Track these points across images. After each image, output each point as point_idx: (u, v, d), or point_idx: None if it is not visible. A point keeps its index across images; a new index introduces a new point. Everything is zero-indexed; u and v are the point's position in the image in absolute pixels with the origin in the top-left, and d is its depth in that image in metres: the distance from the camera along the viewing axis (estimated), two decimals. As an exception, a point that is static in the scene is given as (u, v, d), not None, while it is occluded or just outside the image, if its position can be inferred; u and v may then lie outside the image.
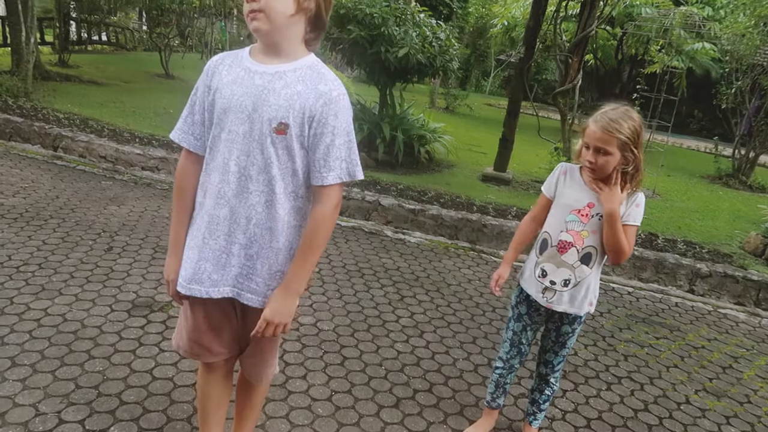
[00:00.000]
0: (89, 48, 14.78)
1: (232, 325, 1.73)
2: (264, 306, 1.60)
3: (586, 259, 2.06)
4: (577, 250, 2.06)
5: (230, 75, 1.52)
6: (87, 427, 2.13)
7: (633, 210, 2.03)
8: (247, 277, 1.58)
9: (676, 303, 4.24)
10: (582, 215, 2.06)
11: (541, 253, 2.15)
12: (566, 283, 2.09)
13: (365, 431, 2.35)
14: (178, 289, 1.61)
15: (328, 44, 6.56)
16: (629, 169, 2.00)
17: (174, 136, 1.63)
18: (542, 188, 2.23)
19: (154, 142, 6.22)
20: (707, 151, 12.60)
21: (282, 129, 1.47)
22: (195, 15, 14.21)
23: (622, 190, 2.02)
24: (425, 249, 4.59)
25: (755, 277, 4.63)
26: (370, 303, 3.47)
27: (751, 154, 9.30)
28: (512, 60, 18.85)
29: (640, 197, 2.05)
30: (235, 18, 10.80)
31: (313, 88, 1.49)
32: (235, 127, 1.49)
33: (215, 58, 1.59)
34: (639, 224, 2.07)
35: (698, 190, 8.53)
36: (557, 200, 2.15)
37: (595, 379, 3.00)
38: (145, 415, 2.24)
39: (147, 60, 13.91)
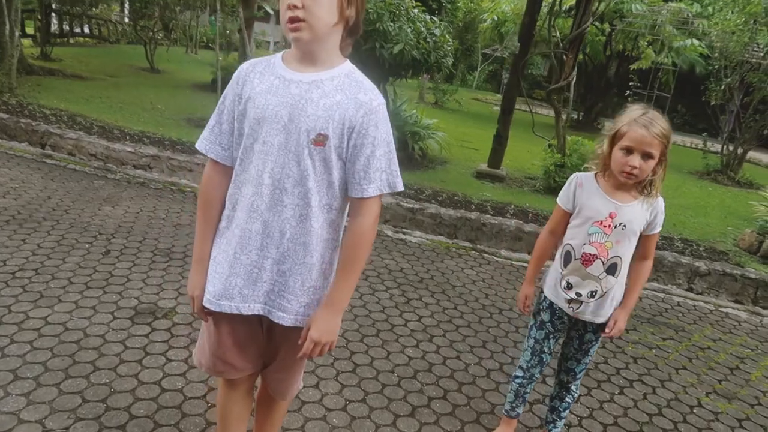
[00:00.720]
0: (71, 41, 14.47)
1: (257, 340, 1.67)
2: (295, 324, 1.54)
3: (612, 270, 2.02)
4: (602, 262, 2.02)
5: (264, 83, 1.45)
6: (98, 444, 2.06)
7: (658, 217, 2.02)
8: (279, 294, 1.52)
9: (678, 303, 4.25)
10: (605, 227, 2.01)
11: (565, 266, 2.10)
12: (593, 294, 2.05)
13: (383, 442, 2.30)
14: (206, 305, 1.54)
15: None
16: (658, 174, 1.97)
17: (200, 146, 1.55)
18: (558, 201, 2.17)
19: (144, 139, 6.08)
20: (693, 146, 12.72)
21: (321, 140, 1.40)
22: (179, 8, 13.97)
23: (643, 195, 1.99)
24: (426, 249, 4.55)
25: (753, 275, 4.66)
26: (377, 306, 3.42)
27: (739, 150, 9.39)
28: (498, 54, 18.87)
29: (661, 204, 2.02)
30: (218, 11, 10.60)
31: (352, 98, 1.43)
32: (270, 138, 1.42)
33: (245, 65, 1.52)
34: (660, 230, 2.05)
35: (688, 186, 8.60)
36: (578, 213, 2.09)
37: (607, 382, 2.99)
38: (157, 430, 2.17)
39: (131, 53, 13.64)
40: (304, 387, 2.53)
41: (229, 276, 1.51)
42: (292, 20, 1.35)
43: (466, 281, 4.03)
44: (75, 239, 3.67)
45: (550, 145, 6.78)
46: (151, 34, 12.10)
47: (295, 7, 1.33)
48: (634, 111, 1.95)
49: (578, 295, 2.06)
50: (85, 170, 5.13)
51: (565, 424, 2.56)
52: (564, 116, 6.82)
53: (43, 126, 5.81)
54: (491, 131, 7.25)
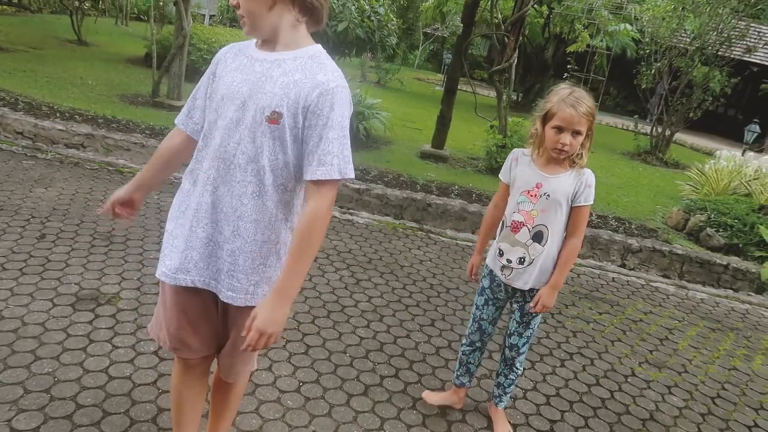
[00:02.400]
0: (-13, 8, 13.47)
1: (211, 320, 1.66)
2: (245, 303, 1.54)
3: (537, 237, 2.14)
4: (528, 229, 2.15)
5: (235, 62, 1.52)
6: (44, 436, 1.99)
7: (586, 191, 2.11)
8: (229, 273, 1.52)
9: (613, 278, 4.48)
10: (531, 195, 2.15)
11: (499, 234, 2.26)
12: (521, 261, 2.17)
13: (337, 422, 2.33)
14: (162, 278, 1.57)
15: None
16: (586, 147, 2.09)
17: (177, 120, 1.67)
18: (500, 176, 2.31)
19: (76, 116, 5.78)
20: (624, 128, 13.28)
21: (275, 118, 1.42)
22: (108, -24, 13.23)
23: (571, 166, 2.10)
24: (374, 230, 4.58)
25: (679, 251, 4.96)
26: (327, 288, 3.43)
27: (667, 132, 9.88)
28: (440, 34, 18.96)
29: (590, 176, 2.13)
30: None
31: (310, 78, 1.43)
32: (230, 113, 1.46)
33: (225, 48, 1.60)
34: (591, 203, 2.13)
35: (620, 166, 8.99)
36: (512, 184, 2.24)
37: (549, 356, 3.13)
38: (106, 419, 2.12)
39: (55, 24, 12.84)
40: (257, 370, 2.52)
41: (185, 249, 1.53)
42: (240, 17, 1.46)
43: (414, 261, 4.10)
44: (5, 223, 3.47)
45: (492, 126, 6.92)
46: (77, 3, 11.41)
47: (235, 5, 1.45)
48: (561, 91, 2.07)
49: (509, 261, 2.19)
50: (12, 149, 4.83)
51: (511, 397, 2.67)
52: (505, 97, 6.96)
53: (-37, 101, 5.42)
54: (434, 111, 7.33)
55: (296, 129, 1.44)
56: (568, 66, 7.48)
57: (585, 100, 2.03)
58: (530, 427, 2.54)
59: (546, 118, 2.08)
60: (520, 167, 2.21)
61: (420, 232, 4.74)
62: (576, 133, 2.02)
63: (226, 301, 1.55)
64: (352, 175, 1.47)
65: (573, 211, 2.13)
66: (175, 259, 1.53)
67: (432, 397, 2.54)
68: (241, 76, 1.47)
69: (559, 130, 2.03)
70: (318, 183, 1.44)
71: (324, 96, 1.42)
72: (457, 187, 5.79)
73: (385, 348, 2.93)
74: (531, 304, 2.20)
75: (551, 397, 2.77)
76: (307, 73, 1.43)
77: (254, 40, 1.55)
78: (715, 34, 8.89)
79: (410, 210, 5.13)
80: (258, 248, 1.51)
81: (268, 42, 1.50)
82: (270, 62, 1.46)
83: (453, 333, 3.19)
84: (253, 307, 1.52)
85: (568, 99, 2.02)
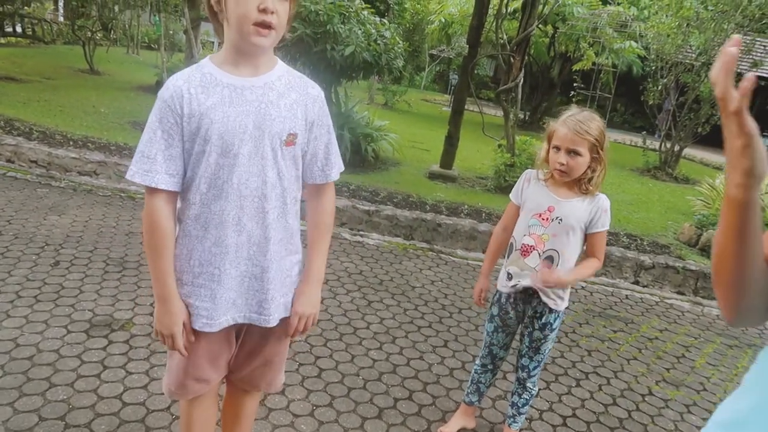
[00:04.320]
0: (2, 41, 13.78)
1: (230, 349, 1.66)
2: (280, 318, 1.59)
3: (548, 262, 2.11)
4: (539, 254, 2.11)
5: (213, 97, 1.38)
6: (59, 464, 1.99)
7: (602, 216, 2.09)
8: (271, 299, 1.54)
9: (626, 296, 4.44)
10: (543, 219, 2.12)
11: (508, 257, 2.22)
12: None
13: (352, 445, 2.32)
14: (204, 329, 1.50)
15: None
16: (597, 172, 2.06)
17: (146, 180, 1.38)
18: (510, 196, 2.28)
19: (89, 144, 5.86)
20: (632, 144, 13.26)
21: (291, 140, 1.46)
22: (119, 7, 13.52)
23: (583, 192, 2.08)
24: (384, 251, 4.58)
25: (693, 267, 4.91)
26: (339, 310, 3.42)
27: (676, 148, 9.85)
28: (446, 56, 19.12)
29: (606, 202, 2.11)
30: (162, 11, 10.30)
31: (305, 94, 1.50)
32: (239, 149, 1.40)
33: (177, 83, 1.40)
34: (607, 228, 2.12)
35: (630, 183, 8.96)
36: (523, 206, 2.21)
37: (564, 376, 3.09)
38: (121, 446, 2.11)
39: (68, 54, 13.11)
40: (269, 395, 2.51)
41: (221, 292, 1.49)
42: (265, 25, 1.33)
43: (425, 282, 4.09)
44: (20, 251, 3.51)
45: (500, 146, 6.94)
46: (89, 33, 11.66)
47: (272, 12, 1.32)
48: (567, 112, 2.08)
49: (514, 287, 2.16)
50: (26, 178, 4.91)
51: (526, 419, 2.64)
52: (512, 116, 6.99)
53: (-21, 132, 5.52)
54: (441, 132, 7.36)
55: (304, 143, 1.52)
56: (575, 84, 7.53)
57: (586, 122, 2.01)
58: (547, 448, 2.51)
59: (549, 139, 2.09)
60: (532, 188, 2.18)
61: (430, 253, 4.73)
62: (574, 153, 2.00)
63: (264, 325, 1.57)
64: (343, 167, 1.65)
65: (590, 237, 2.11)
66: (212, 307, 1.49)
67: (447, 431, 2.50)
68: (235, 110, 1.38)
69: (557, 149, 2.04)
70: (330, 182, 1.61)
71: (322, 107, 1.54)
72: (466, 206, 5.79)
73: (398, 370, 2.91)
74: (544, 275, 2.08)
75: (568, 418, 2.73)
76: (299, 90, 1.49)
77: (209, 65, 1.42)
78: (720, 49, 8.91)
79: (420, 230, 5.13)
80: (288, 264, 1.58)
81: (247, 63, 1.41)
82: (260, 87, 1.42)
83: (466, 354, 3.16)
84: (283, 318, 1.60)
85: (567, 120, 2.04)
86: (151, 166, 1.38)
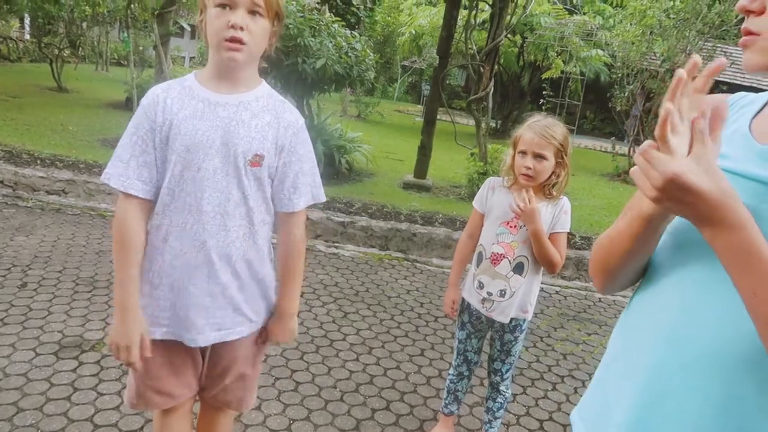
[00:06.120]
0: (-34, 59, 13.51)
1: (196, 364, 1.63)
2: (251, 330, 1.59)
3: (518, 269, 2.14)
4: (509, 261, 2.14)
5: (187, 109, 1.41)
6: (28, 491, 1.94)
7: (562, 217, 2.13)
8: (232, 315, 1.53)
9: (599, 298, 4.50)
10: (511, 227, 2.14)
11: (477, 266, 2.23)
12: (502, 293, 2.15)
13: (330, 458, 2.30)
14: (164, 337, 1.49)
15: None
16: (561, 177, 2.10)
17: (117, 183, 1.40)
18: (474, 204, 2.30)
19: (57, 162, 5.76)
20: (603, 149, 13.50)
21: (257, 161, 1.45)
22: (87, 23, 13.37)
23: (547, 197, 2.11)
24: (360, 262, 4.58)
25: (664, 269, 5.00)
26: (314, 323, 3.41)
27: (644, 152, 10.04)
28: (417, 66, 19.29)
29: (566, 204, 2.15)
30: (131, 27, 10.19)
31: (280, 118, 1.50)
32: (204, 164, 1.40)
33: (157, 90, 1.44)
34: (568, 230, 2.16)
35: (601, 187, 9.11)
36: (488, 214, 2.23)
37: (540, 380, 3.12)
38: (92, 469, 2.07)
39: (35, 72, 12.90)
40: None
41: (179, 309, 1.48)
42: (235, 40, 1.34)
43: (401, 291, 4.10)
44: (-14, 273, 3.43)
45: (472, 154, 7.01)
46: (57, 51, 11.50)
47: (241, 28, 1.34)
48: (532, 118, 2.12)
49: (489, 294, 2.17)
50: (-8, 198, 4.80)
51: (503, 424, 2.65)
52: (484, 125, 7.07)
53: (-59, 153, 5.39)
54: (415, 142, 7.41)
55: (272, 168, 1.50)
56: (544, 92, 7.66)
57: (551, 127, 2.06)
58: (525, 453, 2.52)
59: (515, 146, 2.13)
60: (497, 196, 2.21)
61: (406, 262, 4.75)
62: (540, 157, 2.04)
63: (230, 339, 1.56)
64: (323, 198, 1.62)
65: (551, 237, 2.14)
66: (171, 317, 1.49)
67: None
68: (205, 124, 1.40)
69: (523, 154, 2.07)
70: (296, 211, 1.55)
71: (297, 134, 1.52)
72: (441, 215, 5.83)
73: (375, 380, 2.90)
74: (521, 203, 2.05)
75: (545, 421, 2.76)
76: (275, 113, 1.48)
77: (192, 79, 1.46)
78: (683, 55, 9.15)
79: (395, 240, 5.14)
80: (256, 284, 1.56)
81: (228, 80, 1.44)
82: (235, 106, 1.43)
83: (443, 362, 3.17)
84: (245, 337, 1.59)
85: (532, 125, 2.08)
86: (125, 170, 1.41)
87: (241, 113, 1.44)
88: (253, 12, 1.37)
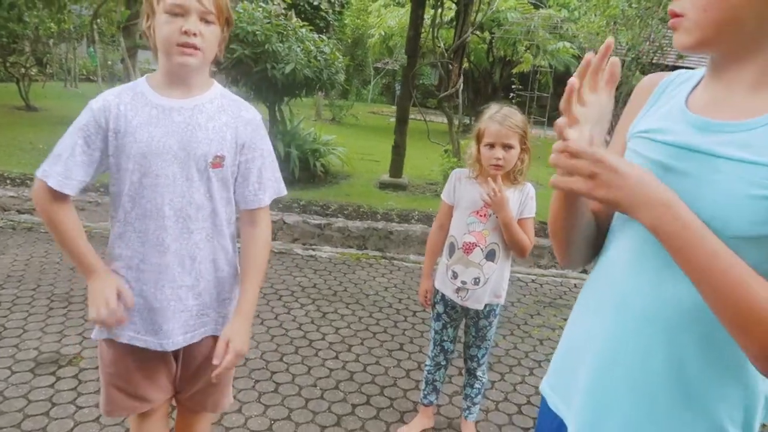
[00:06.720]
0: (-70, 83, 13.24)
1: (169, 367, 1.64)
2: (214, 333, 1.59)
3: (490, 256, 2.20)
4: (481, 249, 2.20)
5: (140, 116, 1.42)
6: (8, 506, 1.93)
7: (528, 203, 2.20)
8: (198, 316, 1.54)
9: (575, 284, 4.58)
10: (480, 216, 2.20)
11: (450, 257, 2.27)
12: (476, 281, 2.21)
13: (312, 455, 2.33)
14: (129, 342, 1.50)
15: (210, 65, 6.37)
16: (525, 162, 2.17)
17: (53, 182, 1.39)
18: (442, 196, 2.35)
19: (28, 182, 5.69)
20: (576, 140, 13.64)
21: (218, 162, 1.46)
22: (53, 41, 13.20)
23: (513, 183, 2.17)
24: (338, 262, 4.61)
25: (637, 252, 5.11)
26: (293, 324, 3.43)
27: (615, 140, 10.21)
28: (390, 68, 19.36)
29: (531, 189, 2.23)
30: (97, 42, 10.11)
31: (237, 117, 1.52)
32: (163, 170, 1.42)
33: (108, 97, 1.43)
34: (534, 215, 2.23)
35: (575, 177, 9.23)
36: (457, 205, 2.28)
37: (518, 366, 3.18)
38: (73, 481, 2.07)
39: (1, 92, 12.69)
40: (226, 414, 2.50)
41: (145, 313, 1.49)
42: (188, 46, 1.36)
43: (379, 289, 4.13)
44: (-42, 295, 3.40)
45: (446, 151, 7.07)
46: (23, 70, 11.34)
47: (194, 34, 1.36)
48: (490, 110, 2.17)
49: (463, 283, 2.22)
50: (-38, 221, 4.74)
51: (482, 410, 2.70)
52: (456, 122, 7.15)
53: None
54: (390, 142, 7.45)
55: (234, 166, 1.52)
56: (513, 86, 7.76)
57: (512, 116, 2.13)
58: (504, 437, 2.57)
59: (479, 138, 2.17)
60: (465, 187, 2.26)
61: (383, 260, 4.78)
62: (507, 146, 2.10)
63: (197, 340, 1.57)
64: (285, 191, 1.63)
65: (519, 222, 2.20)
66: (139, 324, 1.50)
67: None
68: (160, 130, 1.41)
69: (491, 146, 2.12)
70: (262, 208, 1.57)
71: (256, 131, 1.55)
72: (417, 212, 5.88)
73: (355, 377, 2.93)
74: (491, 192, 2.09)
75: (522, 405, 2.81)
76: (231, 113, 1.50)
77: (144, 84, 1.46)
78: (647, 43, 9.31)
79: (373, 239, 5.18)
80: (221, 284, 1.58)
81: (180, 84, 1.45)
82: (190, 110, 1.44)
83: (422, 354, 3.21)
84: (212, 336, 1.59)
85: (494, 116, 2.13)
86: (63, 169, 1.40)
87: (197, 117, 1.46)
88: (204, 19, 1.39)
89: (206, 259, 1.51)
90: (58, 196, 1.42)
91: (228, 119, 1.49)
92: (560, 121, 0.90)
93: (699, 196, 0.86)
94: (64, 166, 1.40)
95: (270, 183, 1.57)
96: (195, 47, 1.37)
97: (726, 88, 0.91)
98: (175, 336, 1.52)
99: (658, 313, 0.92)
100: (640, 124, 1.04)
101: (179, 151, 1.42)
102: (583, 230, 1.07)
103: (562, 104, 0.89)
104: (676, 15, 0.91)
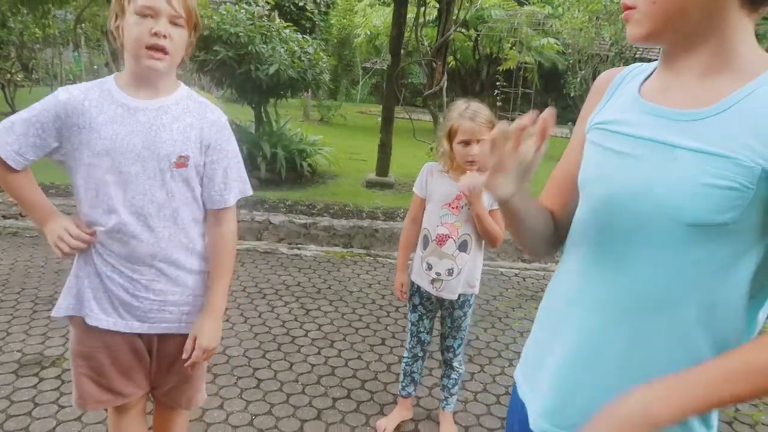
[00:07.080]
0: None
1: (143, 361, 1.68)
2: (178, 331, 1.62)
3: (463, 247, 2.25)
4: (454, 241, 2.24)
5: (105, 113, 1.45)
6: (-11, 504, 1.97)
7: None
8: (159, 310, 1.58)
9: (557, 277, 4.64)
10: (453, 208, 2.25)
11: (424, 249, 2.32)
12: (450, 272, 2.25)
13: (292, 448, 2.37)
14: (94, 323, 1.55)
15: (194, 66, 6.40)
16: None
17: (5, 153, 1.44)
18: (414, 190, 2.39)
19: (13, 186, 5.70)
20: (563, 136, 13.75)
21: (182, 162, 1.50)
22: (39, 46, 13.16)
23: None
24: (322, 261, 4.65)
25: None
26: (276, 322, 3.47)
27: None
28: (377, 67, 19.39)
29: None
30: (82, 46, 10.10)
31: (202, 118, 1.56)
32: (125, 168, 1.46)
33: (74, 92, 1.47)
34: None
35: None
36: (429, 198, 2.32)
37: (498, 358, 3.23)
38: (55, 478, 2.10)
39: (-12, 98, 12.63)
40: (208, 410, 2.54)
41: (106, 301, 1.54)
42: (157, 48, 1.40)
43: (363, 286, 4.17)
44: (-58, 300, 3.42)
45: (432, 149, 7.12)
46: (9, 75, 11.30)
47: (164, 36, 1.39)
48: (458, 107, 2.20)
49: (438, 274, 2.26)
50: (-54, 227, 4.75)
51: (460, 401, 2.75)
52: (441, 119, 7.19)
53: None
54: (377, 141, 7.49)
55: (199, 167, 1.56)
56: (497, 83, 7.82)
57: (481, 111, 2.16)
58: (482, 426, 2.62)
59: (450, 135, 2.20)
60: (437, 180, 2.30)
61: (368, 258, 4.83)
62: (481, 143, 2.15)
63: (162, 332, 1.61)
64: (251, 191, 1.68)
65: (491, 213, 2.24)
66: (101, 309, 1.55)
67: (385, 425, 2.56)
68: (124, 129, 1.45)
69: (466, 143, 2.15)
70: (227, 207, 1.61)
71: (221, 132, 1.58)
72: (402, 210, 5.92)
73: (336, 371, 2.98)
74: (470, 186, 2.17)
75: (501, 396, 2.86)
76: (196, 114, 1.54)
77: (111, 82, 1.49)
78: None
79: (358, 238, 5.22)
80: (184, 281, 1.60)
81: (147, 86, 1.48)
82: (155, 110, 1.48)
83: (403, 348, 3.24)
84: (184, 334, 1.62)
85: (465, 113, 2.16)
86: (15, 142, 1.44)
87: (162, 117, 1.49)
88: (173, 22, 1.43)
89: (168, 257, 1.55)
90: (8, 166, 1.46)
91: (193, 120, 1.53)
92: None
93: (656, 182, 0.90)
94: (17, 143, 1.44)
95: (235, 183, 1.61)
96: (164, 50, 1.41)
97: (677, 76, 0.95)
98: (133, 321, 1.58)
99: (617, 301, 0.96)
100: (598, 116, 1.07)
101: (143, 150, 1.46)
102: (540, 232, 1.12)
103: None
104: (628, 8, 0.94)
